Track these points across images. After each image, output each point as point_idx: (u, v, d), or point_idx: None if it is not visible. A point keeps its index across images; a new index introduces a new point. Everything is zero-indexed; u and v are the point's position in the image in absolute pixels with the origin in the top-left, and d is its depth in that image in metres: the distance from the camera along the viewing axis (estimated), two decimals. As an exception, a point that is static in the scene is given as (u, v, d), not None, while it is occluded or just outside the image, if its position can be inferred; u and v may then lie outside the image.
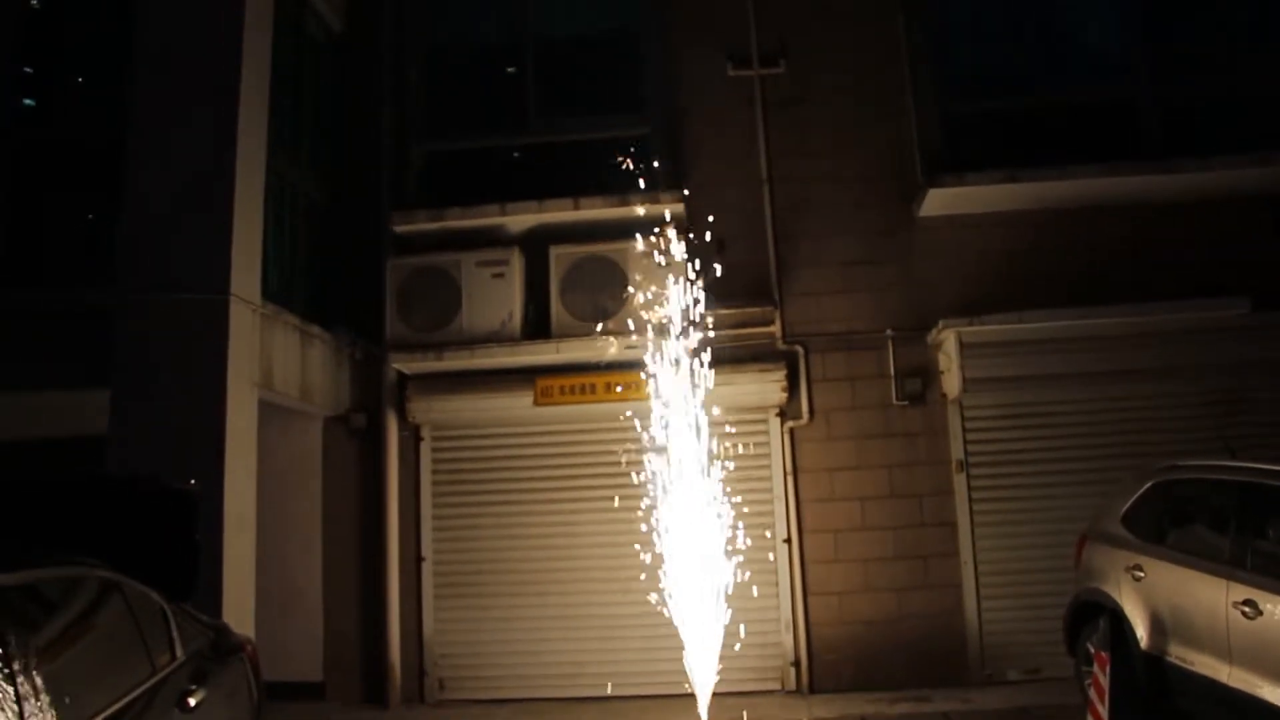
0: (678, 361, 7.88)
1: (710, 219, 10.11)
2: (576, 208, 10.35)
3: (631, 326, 8.23)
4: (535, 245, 10.42)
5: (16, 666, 3.39)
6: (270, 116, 9.25)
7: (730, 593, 7.70)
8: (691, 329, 7.99)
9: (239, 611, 7.84)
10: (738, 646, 8.38)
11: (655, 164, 10.77)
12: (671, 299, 8.04)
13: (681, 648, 7.67)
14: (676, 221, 9.83)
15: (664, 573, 7.67)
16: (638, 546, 7.81)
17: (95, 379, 8.24)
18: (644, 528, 7.82)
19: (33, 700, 3.40)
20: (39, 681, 3.47)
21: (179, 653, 4.99)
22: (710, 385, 7.92)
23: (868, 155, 10.60)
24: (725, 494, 7.81)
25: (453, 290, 10.25)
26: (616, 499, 9.33)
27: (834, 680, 9.87)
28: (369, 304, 10.51)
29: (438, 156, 11.38)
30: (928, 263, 10.39)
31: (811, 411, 10.28)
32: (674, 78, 10.98)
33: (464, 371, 10.37)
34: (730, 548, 7.73)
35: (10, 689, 3.32)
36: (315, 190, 10.90)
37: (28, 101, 10.03)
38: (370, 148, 11.09)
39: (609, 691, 9.75)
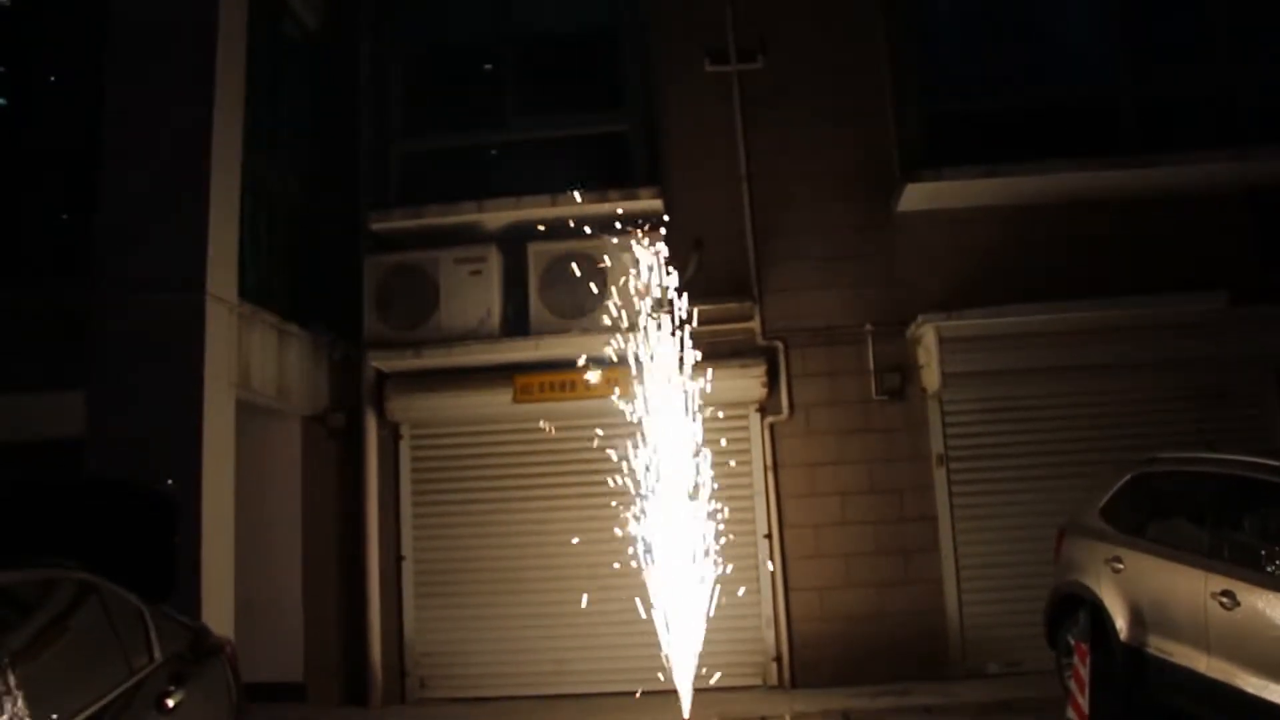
0: (657, 358, 7.87)
1: (689, 215, 10.11)
2: (554, 204, 10.29)
3: (610, 323, 8.21)
4: (513, 242, 10.38)
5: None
6: (246, 114, 9.18)
7: (711, 589, 7.70)
8: (671, 325, 7.97)
9: (218, 612, 7.79)
10: (719, 642, 8.38)
11: (634, 161, 10.77)
12: (650, 296, 8.03)
13: (662, 644, 7.67)
14: (655, 218, 9.81)
15: (645, 569, 7.66)
16: (619, 540, 7.79)
17: (70, 380, 8.17)
18: (624, 524, 7.80)
19: (8, 702, 3.37)
20: (14, 683, 3.44)
21: (157, 654, 4.95)
22: (690, 381, 7.91)
23: (846, 151, 10.57)
24: (705, 490, 7.80)
25: (430, 288, 10.21)
26: (596, 495, 9.29)
27: (815, 675, 9.86)
28: (348, 303, 10.44)
29: (416, 154, 11.32)
30: (907, 258, 10.39)
31: (791, 407, 10.28)
32: (653, 75, 10.96)
33: (443, 369, 10.31)
34: (710, 543, 7.73)
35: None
36: (293, 189, 10.82)
37: (0, 100, 9.93)
38: (348, 146, 11.05)
39: (590, 689, 9.76)
